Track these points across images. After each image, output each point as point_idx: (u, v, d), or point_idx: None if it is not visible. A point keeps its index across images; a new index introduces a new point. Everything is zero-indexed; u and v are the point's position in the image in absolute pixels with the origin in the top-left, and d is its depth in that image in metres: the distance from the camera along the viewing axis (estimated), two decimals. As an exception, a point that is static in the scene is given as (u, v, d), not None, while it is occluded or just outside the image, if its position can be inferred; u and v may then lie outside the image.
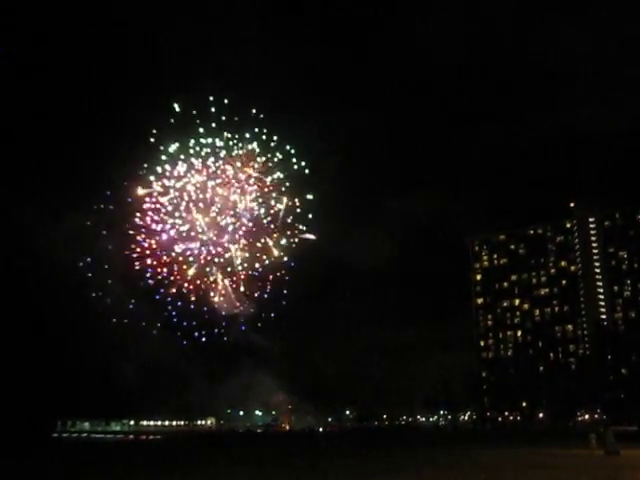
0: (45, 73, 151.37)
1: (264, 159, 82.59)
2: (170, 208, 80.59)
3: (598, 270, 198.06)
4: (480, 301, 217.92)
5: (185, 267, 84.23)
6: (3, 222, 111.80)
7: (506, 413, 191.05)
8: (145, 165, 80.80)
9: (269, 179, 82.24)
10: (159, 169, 79.58)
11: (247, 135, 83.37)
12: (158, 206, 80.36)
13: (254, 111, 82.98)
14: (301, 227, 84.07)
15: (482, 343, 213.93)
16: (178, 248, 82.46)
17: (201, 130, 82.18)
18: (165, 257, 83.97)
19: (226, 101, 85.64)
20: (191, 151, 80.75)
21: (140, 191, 79.34)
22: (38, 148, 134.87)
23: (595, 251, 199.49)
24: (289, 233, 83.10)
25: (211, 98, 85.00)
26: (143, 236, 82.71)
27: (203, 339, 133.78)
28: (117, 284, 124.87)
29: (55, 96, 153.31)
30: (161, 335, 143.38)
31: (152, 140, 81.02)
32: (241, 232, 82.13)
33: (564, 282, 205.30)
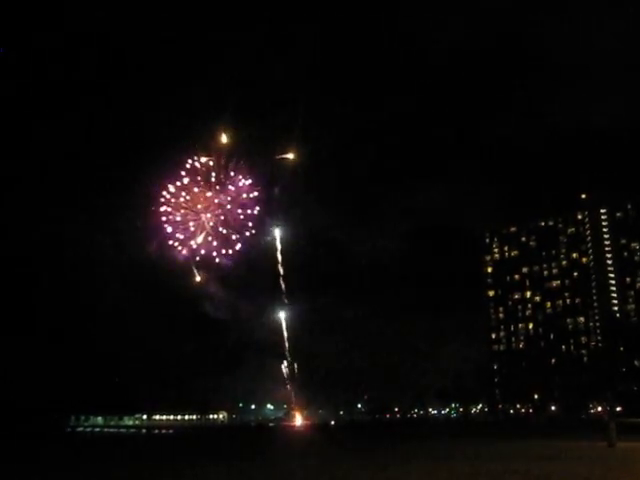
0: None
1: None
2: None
3: (610, 262, 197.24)
4: (491, 293, 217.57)
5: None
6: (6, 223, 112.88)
7: (518, 405, 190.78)
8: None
9: None
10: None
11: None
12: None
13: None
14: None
15: (493, 335, 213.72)
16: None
17: None
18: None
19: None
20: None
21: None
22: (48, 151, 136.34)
23: (607, 243, 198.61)
24: None
25: None
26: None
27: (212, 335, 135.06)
28: (126, 284, 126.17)
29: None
30: (173, 331, 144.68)
31: None
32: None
33: (576, 274, 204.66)
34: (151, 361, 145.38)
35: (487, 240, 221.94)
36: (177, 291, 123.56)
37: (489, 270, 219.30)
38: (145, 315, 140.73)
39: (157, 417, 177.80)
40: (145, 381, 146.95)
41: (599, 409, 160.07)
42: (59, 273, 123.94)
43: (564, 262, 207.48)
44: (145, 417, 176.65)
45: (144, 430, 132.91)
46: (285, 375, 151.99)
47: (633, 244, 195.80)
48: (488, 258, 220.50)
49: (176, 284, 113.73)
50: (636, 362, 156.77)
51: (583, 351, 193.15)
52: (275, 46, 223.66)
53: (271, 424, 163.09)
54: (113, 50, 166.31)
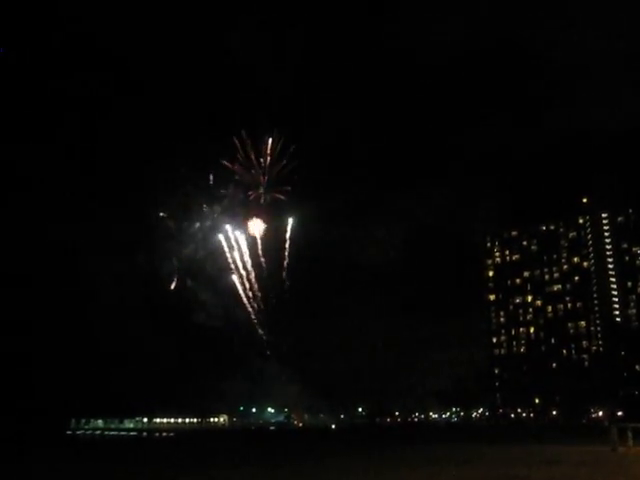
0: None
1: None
2: None
3: (611, 266, 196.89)
4: (492, 297, 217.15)
5: None
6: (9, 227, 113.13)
7: (519, 410, 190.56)
8: None
9: None
10: None
11: None
12: None
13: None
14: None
15: (494, 340, 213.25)
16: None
17: None
18: None
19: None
20: None
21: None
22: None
23: (608, 247, 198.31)
24: None
25: None
26: None
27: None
28: (126, 288, 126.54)
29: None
30: (172, 334, 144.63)
31: None
32: None
33: (577, 278, 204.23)
34: (151, 364, 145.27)
35: (488, 244, 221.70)
36: (174, 297, 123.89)
37: (490, 274, 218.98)
38: (145, 319, 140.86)
39: (157, 420, 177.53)
40: (145, 384, 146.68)
41: (600, 414, 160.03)
42: (60, 278, 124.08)
43: (565, 266, 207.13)
44: (145, 420, 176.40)
45: (145, 433, 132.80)
46: (286, 379, 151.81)
47: (634, 248, 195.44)
48: (489, 262, 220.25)
49: (173, 290, 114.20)
50: (637, 367, 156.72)
51: (584, 355, 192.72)
52: (271, 47, 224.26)
53: (272, 427, 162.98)
54: (121, 55, 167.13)
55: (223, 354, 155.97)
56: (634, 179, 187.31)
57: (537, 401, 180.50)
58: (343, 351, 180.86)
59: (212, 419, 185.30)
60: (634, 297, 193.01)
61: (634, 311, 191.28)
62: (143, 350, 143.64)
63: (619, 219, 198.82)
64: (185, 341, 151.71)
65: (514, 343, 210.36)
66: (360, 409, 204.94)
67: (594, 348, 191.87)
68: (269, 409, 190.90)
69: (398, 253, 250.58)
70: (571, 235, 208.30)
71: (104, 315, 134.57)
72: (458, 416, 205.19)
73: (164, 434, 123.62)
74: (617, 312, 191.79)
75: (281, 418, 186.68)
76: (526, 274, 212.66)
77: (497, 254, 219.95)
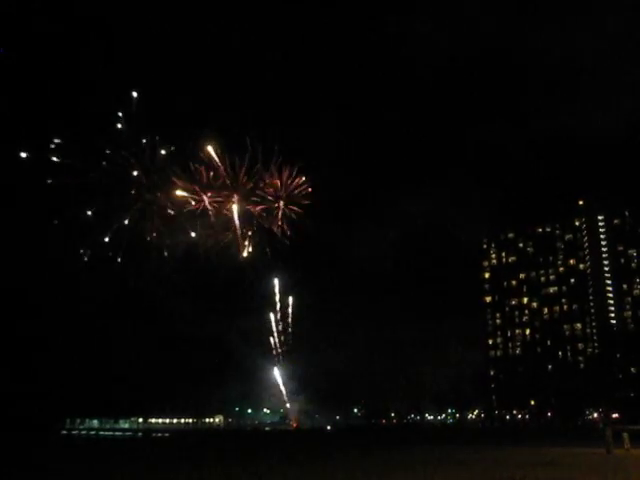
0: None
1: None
2: None
3: (607, 268, 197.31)
4: (489, 299, 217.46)
5: None
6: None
7: (514, 412, 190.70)
8: None
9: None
10: None
11: None
12: None
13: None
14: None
15: (490, 341, 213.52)
16: None
17: None
18: None
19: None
20: None
21: None
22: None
23: (604, 249, 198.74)
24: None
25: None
26: None
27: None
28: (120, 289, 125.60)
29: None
30: (169, 335, 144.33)
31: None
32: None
33: (573, 280, 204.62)
34: (146, 365, 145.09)
35: (485, 246, 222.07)
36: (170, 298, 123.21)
37: (486, 276, 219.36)
38: (141, 320, 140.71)
39: (153, 420, 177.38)
40: (141, 384, 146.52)
41: (595, 416, 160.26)
42: (55, 283, 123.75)
43: (561, 268, 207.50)
44: (141, 420, 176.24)
45: (140, 433, 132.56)
46: (282, 380, 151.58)
47: (630, 251, 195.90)
48: (486, 264, 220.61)
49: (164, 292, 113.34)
50: (632, 369, 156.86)
51: (580, 357, 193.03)
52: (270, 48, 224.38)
53: (267, 428, 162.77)
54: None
55: (219, 355, 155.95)
56: (630, 182, 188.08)
57: (532, 403, 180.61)
58: (339, 352, 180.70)
59: (207, 419, 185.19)
60: (629, 299, 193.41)
61: (629, 313, 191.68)
62: (138, 351, 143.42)
63: (615, 221, 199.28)
64: (181, 342, 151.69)
65: (510, 345, 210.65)
66: (356, 410, 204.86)
67: (590, 350, 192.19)
68: (265, 410, 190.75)
69: (395, 254, 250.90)
70: (567, 237, 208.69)
71: (99, 317, 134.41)
72: (454, 418, 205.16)
73: (159, 434, 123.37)
74: (613, 314, 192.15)
75: (277, 419, 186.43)
76: (522, 276, 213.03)
77: (493, 256, 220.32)
